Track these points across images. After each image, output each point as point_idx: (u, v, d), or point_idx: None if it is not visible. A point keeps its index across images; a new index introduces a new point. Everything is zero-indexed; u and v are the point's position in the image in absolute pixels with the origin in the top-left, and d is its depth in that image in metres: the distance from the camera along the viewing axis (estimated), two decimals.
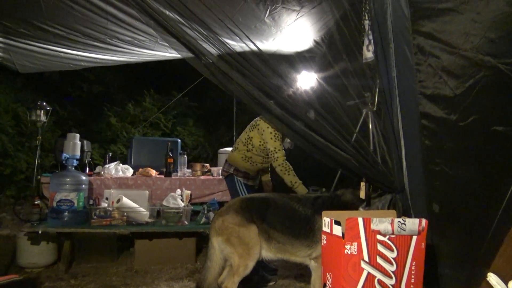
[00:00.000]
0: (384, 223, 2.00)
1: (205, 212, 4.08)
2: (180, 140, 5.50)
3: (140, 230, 3.89)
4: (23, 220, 4.80)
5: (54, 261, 3.95)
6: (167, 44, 2.96)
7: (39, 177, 4.30)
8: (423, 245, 2.06)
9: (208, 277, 2.80)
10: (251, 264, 2.68)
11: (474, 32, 2.16)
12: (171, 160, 4.59)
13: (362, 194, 2.76)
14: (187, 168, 4.84)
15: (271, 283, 3.50)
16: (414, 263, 2.04)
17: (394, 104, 2.57)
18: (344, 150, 2.64)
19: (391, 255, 2.01)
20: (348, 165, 2.66)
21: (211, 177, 4.69)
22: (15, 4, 3.62)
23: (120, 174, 4.48)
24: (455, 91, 2.26)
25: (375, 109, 3.43)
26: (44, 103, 4.57)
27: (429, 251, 2.12)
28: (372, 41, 2.71)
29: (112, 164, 4.53)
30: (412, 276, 2.04)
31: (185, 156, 4.85)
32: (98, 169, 4.69)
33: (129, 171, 4.57)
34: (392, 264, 2.01)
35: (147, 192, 4.33)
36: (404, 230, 2.02)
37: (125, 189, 4.29)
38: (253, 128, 3.58)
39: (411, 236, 2.04)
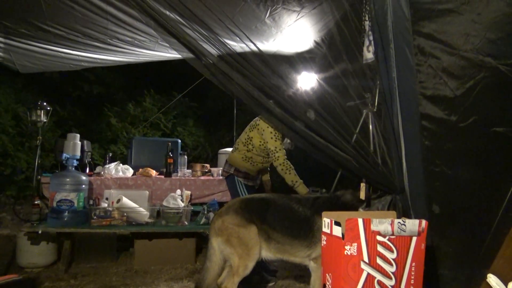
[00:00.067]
0: (384, 224, 2.00)
1: (205, 212, 4.08)
2: (180, 141, 5.50)
3: (140, 230, 3.89)
4: (23, 220, 4.79)
5: (54, 261, 3.96)
6: (167, 45, 2.96)
7: (39, 177, 4.30)
8: (423, 246, 2.05)
9: (208, 277, 2.80)
10: (250, 265, 2.67)
11: (475, 33, 2.17)
12: (171, 161, 4.60)
13: (362, 195, 2.76)
14: (187, 168, 4.85)
15: (271, 284, 3.50)
16: (414, 264, 2.04)
17: (395, 105, 2.56)
18: (344, 151, 2.64)
19: (391, 256, 2.01)
20: (348, 166, 2.66)
21: (211, 178, 4.69)
22: (15, 4, 3.63)
23: (120, 174, 4.48)
24: (456, 92, 2.26)
25: (375, 110, 3.43)
26: (45, 103, 4.56)
27: (429, 252, 2.12)
28: (372, 41, 2.71)
29: (112, 164, 4.53)
30: (412, 277, 2.04)
31: (185, 157, 4.85)
32: (98, 169, 4.69)
33: (129, 171, 4.57)
34: (392, 265, 2.01)
35: (147, 192, 4.33)
36: (404, 231, 2.02)
37: (125, 189, 4.29)
38: (253, 128, 3.58)
39: (411, 237, 2.03)
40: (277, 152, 3.41)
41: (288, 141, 3.69)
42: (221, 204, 4.23)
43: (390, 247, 2.01)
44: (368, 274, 1.98)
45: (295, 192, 3.34)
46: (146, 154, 5.07)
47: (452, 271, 2.33)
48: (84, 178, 4.02)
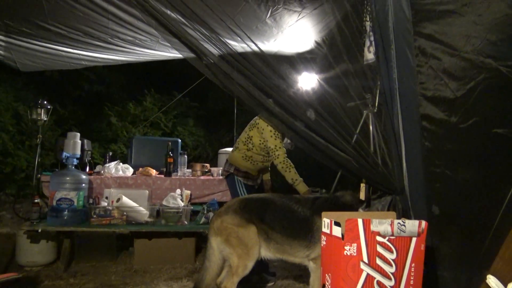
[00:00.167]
0: (384, 224, 2.00)
1: (205, 212, 4.08)
2: (180, 140, 5.50)
3: (140, 229, 3.89)
4: (23, 218, 4.80)
5: (53, 260, 3.96)
6: (168, 44, 2.96)
7: (39, 175, 4.30)
8: (422, 247, 2.06)
9: (207, 277, 2.80)
10: (250, 265, 2.68)
11: (475, 34, 2.17)
12: (171, 160, 4.60)
13: (362, 196, 2.77)
14: (187, 168, 4.85)
15: (270, 284, 3.50)
16: (413, 264, 2.04)
17: (395, 105, 2.56)
18: (344, 151, 2.64)
19: (390, 256, 2.01)
20: (348, 166, 2.66)
21: (211, 177, 4.69)
22: (17, 3, 3.63)
23: (120, 173, 4.48)
24: (456, 93, 2.26)
25: (375, 110, 3.43)
26: (45, 102, 4.57)
27: (428, 253, 2.12)
28: (373, 42, 2.71)
29: (112, 164, 4.53)
30: (412, 278, 2.04)
31: (185, 156, 4.85)
32: (98, 168, 4.69)
33: (129, 171, 4.57)
34: (391, 265, 2.01)
35: (147, 191, 4.33)
36: (404, 232, 2.02)
37: (125, 189, 4.30)
38: (253, 127, 3.59)
39: (410, 238, 2.03)
40: (277, 150, 3.41)
41: (288, 141, 3.70)
42: (221, 204, 4.23)
43: (390, 247, 2.01)
44: (368, 274, 1.98)
45: (295, 191, 3.34)
46: (146, 153, 5.07)
47: (452, 272, 2.33)
48: (84, 177, 4.03)
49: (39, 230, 3.67)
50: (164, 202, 4.13)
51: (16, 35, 4.28)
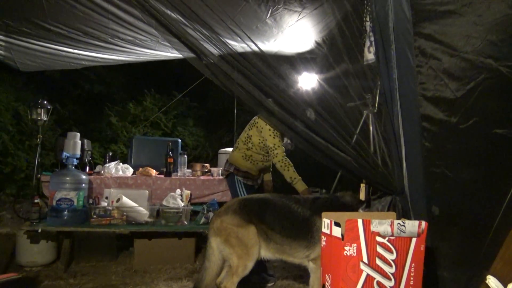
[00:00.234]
0: (384, 225, 2.00)
1: (205, 212, 4.08)
2: (180, 140, 5.50)
3: (140, 229, 3.89)
4: (23, 218, 4.80)
5: (53, 260, 3.96)
6: (168, 44, 2.96)
7: (39, 175, 4.30)
8: (422, 247, 2.06)
9: (206, 277, 2.80)
10: (250, 265, 2.68)
11: (476, 35, 2.17)
12: (171, 160, 4.60)
13: (362, 196, 2.76)
14: (187, 168, 4.84)
15: (270, 284, 3.50)
16: (413, 265, 2.04)
17: (395, 106, 2.56)
18: (344, 151, 2.64)
19: (390, 257, 2.01)
20: (348, 166, 2.66)
21: (211, 177, 4.69)
22: (17, 2, 3.63)
23: (120, 173, 4.48)
24: (456, 94, 2.26)
25: (375, 110, 3.43)
26: (45, 102, 4.57)
27: (428, 253, 2.12)
28: (373, 42, 2.71)
29: (112, 164, 4.53)
30: (411, 278, 2.04)
31: (185, 156, 4.85)
32: (98, 168, 4.69)
33: (129, 171, 4.57)
34: (391, 266, 2.01)
35: (147, 191, 4.33)
36: (404, 232, 2.02)
37: (125, 189, 4.29)
38: (252, 127, 3.60)
39: (410, 238, 2.03)
40: (275, 149, 3.42)
41: (289, 141, 3.70)
42: (221, 204, 4.23)
43: (390, 248, 2.01)
44: (368, 275, 1.98)
45: (296, 192, 3.35)
46: (146, 153, 5.07)
47: (452, 272, 2.33)
48: (84, 177, 4.02)
49: (39, 230, 3.67)
50: (164, 202, 4.13)
51: (16, 35, 4.28)
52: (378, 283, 1.99)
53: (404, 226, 2.02)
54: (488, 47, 2.12)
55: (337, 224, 2.04)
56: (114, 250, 4.20)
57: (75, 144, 4.06)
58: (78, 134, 4.18)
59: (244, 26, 3.86)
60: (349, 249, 1.98)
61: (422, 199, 2.47)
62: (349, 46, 2.96)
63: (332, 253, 2.08)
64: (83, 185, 3.99)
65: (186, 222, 4.03)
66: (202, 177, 4.65)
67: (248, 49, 2.88)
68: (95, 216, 3.89)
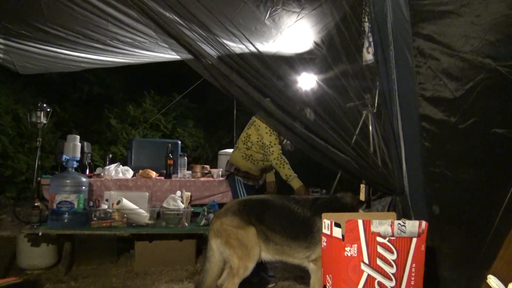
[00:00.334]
0: (384, 225, 2.00)
1: (205, 213, 4.08)
2: (180, 142, 5.51)
3: (140, 231, 3.89)
4: (23, 221, 4.79)
5: (54, 263, 3.96)
6: (167, 46, 2.97)
7: (39, 178, 4.30)
8: (423, 247, 2.06)
9: (207, 278, 2.80)
10: (251, 266, 2.68)
11: (474, 35, 2.17)
12: (171, 162, 4.60)
13: (362, 196, 2.76)
14: (187, 169, 4.85)
15: (271, 285, 3.50)
16: (414, 265, 2.04)
17: (394, 106, 2.57)
18: (344, 152, 2.64)
19: (391, 257, 2.01)
20: (348, 167, 2.66)
21: (211, 179, 4.70)
22: (16, 5, 3.63)
23: (120, 175, 4.49)
24: (455, 94, 2.26)
25: (375, 110, 3.43)
26: (44, 105, 4.57)
27: (429, 253, 2.12)
28: (372, 43, 2.71)
29: (112, 166, 4.54)
30: (412, 278, 2.04)
31: (185, 158, 4.85)
32: (98, 170, 4.69)
33: (129, 173, 4.57)
34: (392, 266, 2.01)
35: (147, 193, 4.33)
36: (404, 232, 2.02)
37: (125, 191, 4.30)
38: (250, 126, 3.64)
39: (411, 238, 2.03)
40: (271, 147, 3.44)
41: (288, 142, 3.71)
42: (221, 205, 4.23)
43: (390, 248, 2.01)
44: (369, 275, 1.98)
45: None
46: (146, 155, 5.08)
47: (452, 272, 2.33)
48: (84, 179, 4.02)
49: (40, 233, 3.67)
50: (164, 204, 4.13)
51: (15, 37, 4.28)
52: (379, 283, 1.99)
53: (405, 226, 2.02)
54: (486, 47, 2.12)
55: (338, 225, 2.04)
56: (115, 252, 4.20)
57: (74, 147, 4.06)
58: (78, 137, 4.18)
59: (243, 27, 3.87)
60: (349, 250, 1.98)
61: (422, 199, 2.47)
62: (348, 47, 2.97)
63: (332, 254, 2.08)
64: (83, 187, 3.99)
65: (186, 224, 4.03)
66: (202, 179, 4.66)
67: (246, 50, 2.89)
68: (95, 218, 3.89)
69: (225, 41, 2.80)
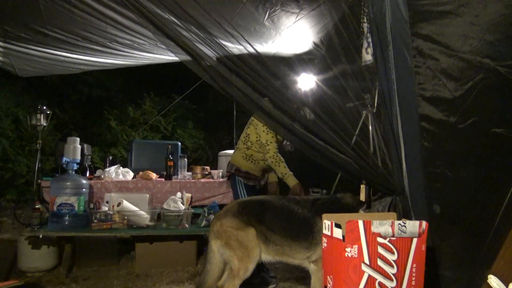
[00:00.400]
0: (385, 225, 2.00)
1: (206, 215, 4.08)
2: (180, 143, 5.51)
3: (141, 233, 3.89)
4: (24, 224, 4.80)
5: (55, 265, 3.96)
6: (166, 48, 2.97)
7: (39, 181, 4.31)
8: (423, 247, 2.06)
9: (208, 280, 2.81)
10: (251, 267, 2.68)
11: (473, 35, 2.17)
12: (171, 163, 4.60)
13: (363, 197, 2.76)
14: (188, 171, 4.85)
15: (272, 286, 3.50)
16: (414, 265, 2.04)
17: (394, 106, 2.57)
18: (344, 152, 2.64)
19: (391, 257, 2.01)
20: (348, 168, 2.66)
21: (211, 180, 4.70)
22: (15, 8, 3.63)
23: (121, 177, 4.49)
24: (454, 93, 2.26)
25: (374, 111, 3.43)
26: (44, 107, 4.58)
27: (429, 253, 2.12)
28: (371, 43, 2.72)
29: (113, 168, 4.54)
30: (413, 279, 2.04)
31: (185, 159, 4.85)
32: (98, 172, 4.70)
33: (130, 175, 4.58)
34: (392, 266, 2.01)
35: (148, 195, 4.33)
36: (405, 233, 2.02)
37: (126, 193, 4.30)
38: (249, 125, 3.66)
39: (411, 239, 2.03)
40: (268, 145, 3.46)
41: (288, 143, 3.71)
42: (221, 207, 4.23)
43: (391, 248, 2.01)
44: (369, 276, 1.98)
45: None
46: (146, 157, 5.08)
47: (453, 272, 2.33)
48: (84, 181, 4.03)
49: (40, 236, 3.67)
50: (164, 206, 4.13)
51: (15, 40, 4.28)
52: (380, 283, 1.99)
53: (405, 226, 2.02)
54: (485, 47, 2.12)
55: (338, 226, 2.04)
56: (116, 254, 4.20)
57: (75, 149, 4.07)
58: (78, 139, 4.19)
59: (242, 28, 3.87)
60: (350, 250, 1.98)
61: (422, 199, 2.47)
62: (347, 47, 2.97)
63: (333, 255, 2.08)
64: (84, 189, 3.99)
65: (187, 225, 4.03)
66: (202, 180, 4.66)
67: (245, 51, 2.89)
68: (96, 220, 3.89)
69: (224, 43, 2.81)
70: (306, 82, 4.61)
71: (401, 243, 2.02)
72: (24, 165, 6.68)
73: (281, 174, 3.44)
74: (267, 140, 3.47)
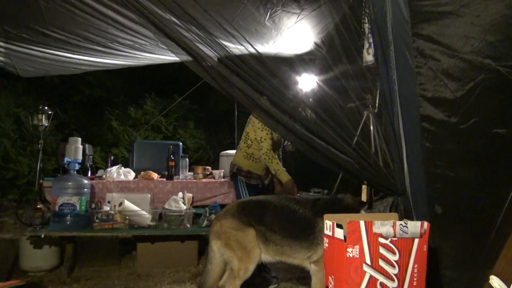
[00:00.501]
0: (386, 226, 2.00)
1: (207, 215, 4.09)
2: (181, 143, 5.51)
3: (142, 233, 3.90)
4: (26, 224, 4.80)
5: (56, 265, 3.97)
6: (167, 48, 2.98)
7: (41, 181, 4.32)
8: (425, 248, 2.06)
9: (209, 280, 2.81)
10: (251, 267, 2.68)
11: (474, 35, 2.17)
12: (173, 163, 4.61)
13: (364, 197, 2.77)
14: (189, 171, 4.86)
15: (273, 286, 3.51)
16: (416, 265, 2.04)
17: (395, 106, 2.57)
18: (345, 153, 2.64)
19: (393, 258, 2.01)
20: (349, 168, 2.66)
21: (212, 180, 4.70)
22: (16, 9, 3.64)
23: (122, 177, 4.49)
24: (456, 94, 2.26)
25: (376, 111, 3.43)
26: (46, 107, 4.58)
27: (431, 254, 2.12)
28: (372, 44, 2.72)
29: (114, 168, 4.54)
30: (415, 279, 2.04)
31: (187, 159, 4.86)
32: (100, 172, 4.71)
33: (131, 175, 4.58)
34: (394, 267, 2.01)
35: (149, 195, 4.34)
36: (406, 233, 2.02)
37: (127, 193, 4.31)
38: (248, 124, 3.70)
39: (413, 239, 2.04)
40: (262, 142, 3.52)
41: (289, 143, 3.72)
42: (223, 206, 4.23)
43: (392, 249, 2.01)
44: (371, 276, 1.99)
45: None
46: (148, 157, 5.08)
47: (455, 272, 2.32)
48: (86, 181, 4.04)
49: (42, 236, 3.68)
50: (166, 206, 4.14)
51: (16, 41, 4.29)
52: (381, 284, 2.00)
53: (407, 227, 2.02)
54: (486, 48, 2.12)
55: (340, 226, 2.04)
56: (117, 254, 4.21)
57: (76, 149, 4.08)
58: (79, 139, 4.19)
59: (243, 29, 3.87)
60: (351, 251, 1.98)
61: (424, 200, 2.47)
62: (348, 48, 2.97)
63: (334, 255, 2.08)
64: (85, 189, 4.00)
65: (188, 225, 4.04)
66: (203, 180, 4.66)
67: (246, 52, 2.89)
68: (97, 220, 3.90)
69: (224, 43, 2.81)
70: (307, 82, 4.61)
71: (402, 244, 2.02)
72: (26, 165, 6.68)
73: (274, 171, 3.51)
74: (261, 137, 3.52)
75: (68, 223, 3.81)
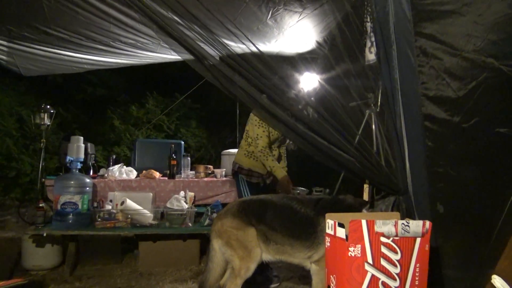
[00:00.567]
0: (388, 225, 2.00)
1: (209, 213, 4.09)
2: (183, 142, 5.51)
3: (144, 232, 3.90)
4: (28, 222, 4.82)
5: (59, 264, 3.98)
6: (169, 47, 2.98)
7: (43, 179, 4.33)
8: (427, 247, 2.06)
9: (210, 278, 2.81)
10: (252, 266, 2.68)
11: (476, 34, 2.16)
12: (175, 162, 4.61)
13: (366, 196, 2.77)
14: (191, 170, 4.86)
15: (274, 285, 3.51)
16: (418, 265, 2.04)
17: (397, 105, 2.56)
18: (347, 152, 2.64)
19: (395, 257, 2.01)
20: (351, 167, 2.66)
21: (214, 179, 4.70)
22: (18, 8, 3.64)
23: (124, 176, 4.50)
24: (458, 93, 2.26)
25: (378, 110, 3.43)
26: (48, 106, 4.59)
27: (433, 253, 2.12)
28: (374, 43, 2.71)
29: (116, 167, 4.55)
30: (416, 278, 2.04)
31: (189, 158, 4.86)
32: (102, 171, 4.71)
33: (133, 173, 4.59)
34: (396, 266, 2.01)
35: (151, 194, 4.34)
36: (408, 232, 2.02)
37: (129, 191, 4.31)
38: (248, 122, 3.72)
39: (415, 238, 2.04)
40: (258, 139, 3.54)
41: (291, 141, 3.72)
42: (224, 205, 4.23)
43: (394, 248, 2.01)
44: (373, 275, 1.99)
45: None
46: (150, 156, 5.08)
47: (457, 272, 2.32)
48: (88, 180, 4.04)
49: (44, 234, 3.69)
50: (168, 205, 4.14)
51: (19, 40, 4.30)
52: (383, 283, 2.00)
53: (408, 226, 2.02)
54: (489, 47, 2.11)
55: (341, 225, 2.04)
56: (119, 253, 4.22)
57: (78, 148, 4.08)
58: (82, 138, 4.20)
59: (245, 28, 3.87)
60: (353, 250, 1.98)
61: (425, 199, 2.47)
62: (350, 47, 2.96)
63: (336, 254, 2.08)
64: (87, 188, 4.00)
65: (190, 224, 4.04)
66: (205, 179, 4.67)
67: (248, 51, 2.89)
68: (99, 219, 3.91)
69: (226, 42, 2.81)
70: (309, 81, 4.60)
71: (404, 243, 2.02)
72: (28, 164, 6.70)
73: (269, 168, 3.53)
74: (257, 134, 3.54)
75: (70, 221, 3.81)
